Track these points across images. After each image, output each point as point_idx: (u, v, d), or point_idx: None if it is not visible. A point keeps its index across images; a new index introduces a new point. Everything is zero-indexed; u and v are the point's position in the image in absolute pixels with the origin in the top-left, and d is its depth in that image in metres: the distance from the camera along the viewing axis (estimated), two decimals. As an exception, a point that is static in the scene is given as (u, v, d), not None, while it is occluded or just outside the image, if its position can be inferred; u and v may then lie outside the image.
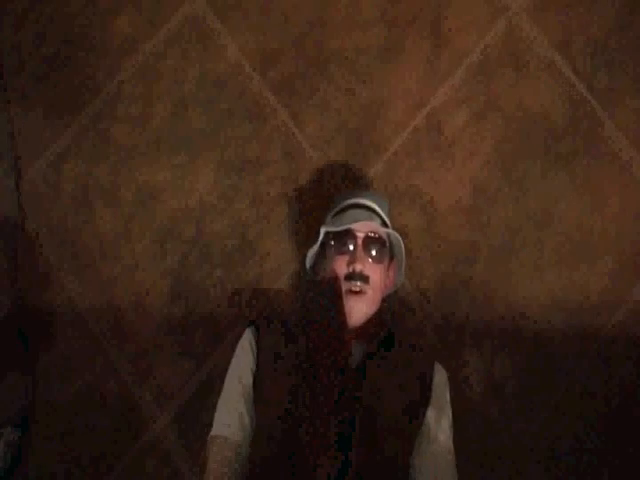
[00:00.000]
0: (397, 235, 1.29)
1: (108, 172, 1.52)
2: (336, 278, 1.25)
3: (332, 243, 1.28)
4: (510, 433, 1.45)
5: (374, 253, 1.26)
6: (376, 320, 1.27)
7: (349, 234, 1.26)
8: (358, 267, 1.23)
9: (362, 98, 1.52)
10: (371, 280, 1.24)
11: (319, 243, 1.32)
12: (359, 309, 1.23)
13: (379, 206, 1.33)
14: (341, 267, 1.25)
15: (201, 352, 1.46)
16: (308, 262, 1.37)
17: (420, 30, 1.52)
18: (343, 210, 1.33)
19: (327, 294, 1.24)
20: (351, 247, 1.26)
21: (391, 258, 1.33)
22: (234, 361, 1.25)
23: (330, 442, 1.09)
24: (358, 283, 1.22)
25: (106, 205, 1.51)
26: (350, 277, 1.23)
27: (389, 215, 1.36)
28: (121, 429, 1.45)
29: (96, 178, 1.52)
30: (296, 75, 1.52)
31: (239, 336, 1.26)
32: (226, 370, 1.23)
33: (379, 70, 1.52)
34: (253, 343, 1.24)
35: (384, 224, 1.32)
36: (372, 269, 1.25)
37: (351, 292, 1.23)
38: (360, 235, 1.26)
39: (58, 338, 1.48)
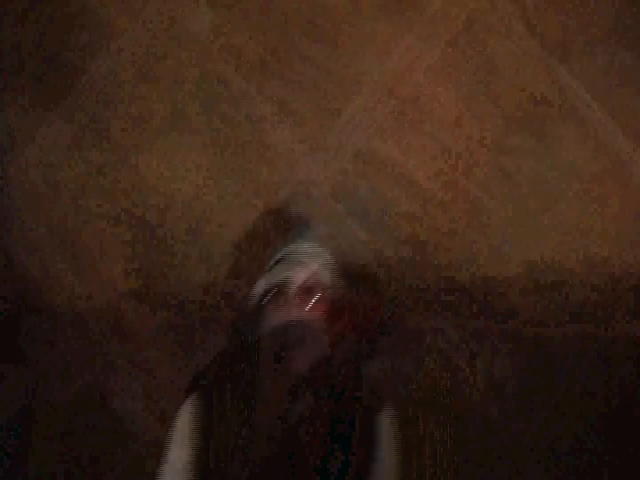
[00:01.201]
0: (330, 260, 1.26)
1: (108, 172, 1.52)
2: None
3: (269, 297, 1.22)
4: (510, 433, 1.45)
5: (312, 301, 1.21)
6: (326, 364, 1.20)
7: (284, 285, 1.22)
8: (294, 317, 1.18)
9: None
10: (311, 328, 1.18)
11: (257, 299, 1.26)
12: (301, 361, 1.16)
13: (311, 248, 1.30)
14: (279, 319, 1.18)
15: (201, 352, 1.47)
16: (244, 327, 1.29)
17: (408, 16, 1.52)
18: (278, 262, 1.29)
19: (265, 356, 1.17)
20: (286, 299, 1.21)
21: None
22: (169, 450, 1.13)
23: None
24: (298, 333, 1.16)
25: (106, 205, 1.51)
26: (286, 329, 1.17)
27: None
28: (121, 429, 1.46)
29: (96, 178, 1.52)
30: (293, 74, 1.52)
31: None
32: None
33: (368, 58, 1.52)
34: (191, 427, 1.13)
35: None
36: (310, 316, 1.20)
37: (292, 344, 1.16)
38: (296, 285, 1.21)
39: (58, 338, 1.48)
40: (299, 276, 1.23)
